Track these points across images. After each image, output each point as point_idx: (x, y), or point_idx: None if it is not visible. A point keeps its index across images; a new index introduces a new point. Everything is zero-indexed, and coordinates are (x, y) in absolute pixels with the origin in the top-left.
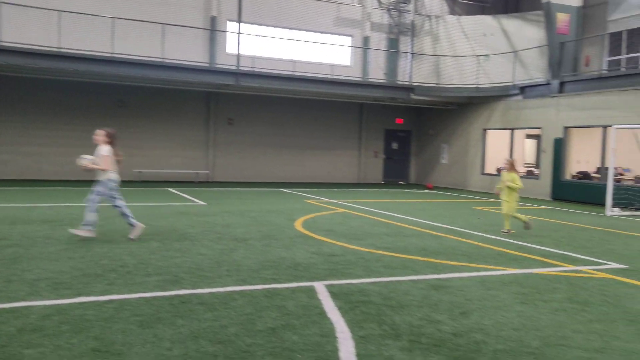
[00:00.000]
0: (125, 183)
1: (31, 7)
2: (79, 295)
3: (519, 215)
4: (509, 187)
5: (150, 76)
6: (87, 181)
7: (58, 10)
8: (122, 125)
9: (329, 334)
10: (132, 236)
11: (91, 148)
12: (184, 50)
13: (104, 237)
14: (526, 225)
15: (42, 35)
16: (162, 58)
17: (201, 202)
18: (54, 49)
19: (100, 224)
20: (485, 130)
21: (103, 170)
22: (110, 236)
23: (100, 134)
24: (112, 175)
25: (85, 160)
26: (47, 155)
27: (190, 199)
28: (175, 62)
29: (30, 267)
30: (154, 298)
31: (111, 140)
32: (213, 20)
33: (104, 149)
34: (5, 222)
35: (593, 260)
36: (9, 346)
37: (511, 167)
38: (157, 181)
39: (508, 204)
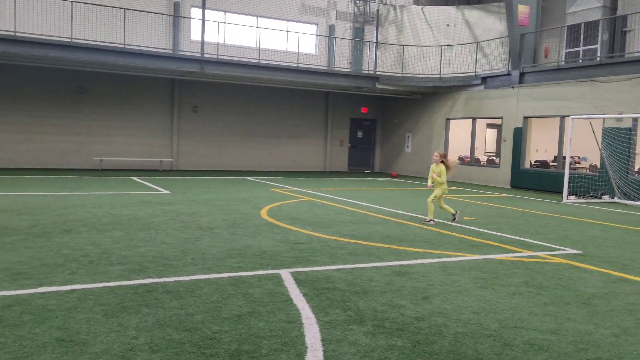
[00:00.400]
0: (86, 172)
1: None
2: (41, 285)
3: (431, 206)
4: (437, 179)
5: (111, 62)
6: (46, 169)
7: None
8: (83, 112)
9: (295, 320)
10: None
11: (52, 135)
12: (147, 36)
13: (64, 227)
14: (427, 220)
15: None
16: (123, 44)
17: (165, 191)
18: (9, 33)
19: (61, 214)
20: (448, 119)
21: None
22: (70, 226)
23: None
24: None
25: None
26: (2, 143)
27: (154, 188)
28: (137, 49)
29: None
30: (119, 287)
31: None
32: (176, 6)
33: None
34: None
35: (549, 246)
36: None
37: (441, 159)
38: (119, 169)
39: (434, 194)
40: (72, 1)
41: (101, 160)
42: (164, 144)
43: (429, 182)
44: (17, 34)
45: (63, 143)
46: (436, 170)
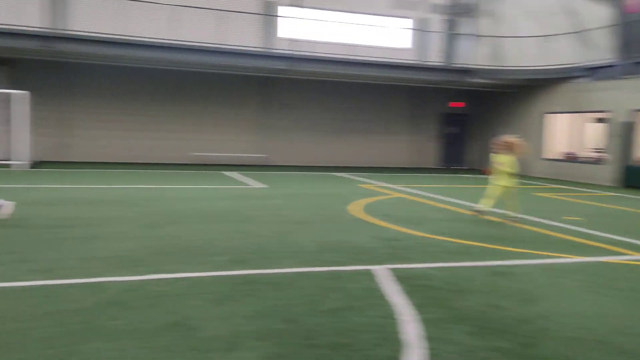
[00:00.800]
0: (182, 166)
1: None
2: (153, 272)
3: (513, 202)
4: (502, 170)
5: (207, 62)
6: (147, 164)
7: None
8: (181, 110)
9: (392, 316)
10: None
11: (153, 132)
12: (240, 35)
13: (171, 218)
14: (511, 220)
15: (107, 24)
16: (218, 44)
17: (259, 185)
18: (119, 37)
19: (167, 206)
20: (547, 113)
21: None
22: (175, 217)
23: None
24: None
25: None
26: (113, 139)
27: (248, 182)
28: (230, 48)
29: (104, 246)
30: (223, 277)
31: None
32: (268, 5)
33: None
34: (78, 202)
35: None
36: (94, 318)
37: (508, 148)
38: (214, 164)
39: (500, 186)
40: (171, 5)
41: (196, 155)
42: (256, 139)
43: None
44: (124, 37)
45: (163, 140)
46: (501, 160)
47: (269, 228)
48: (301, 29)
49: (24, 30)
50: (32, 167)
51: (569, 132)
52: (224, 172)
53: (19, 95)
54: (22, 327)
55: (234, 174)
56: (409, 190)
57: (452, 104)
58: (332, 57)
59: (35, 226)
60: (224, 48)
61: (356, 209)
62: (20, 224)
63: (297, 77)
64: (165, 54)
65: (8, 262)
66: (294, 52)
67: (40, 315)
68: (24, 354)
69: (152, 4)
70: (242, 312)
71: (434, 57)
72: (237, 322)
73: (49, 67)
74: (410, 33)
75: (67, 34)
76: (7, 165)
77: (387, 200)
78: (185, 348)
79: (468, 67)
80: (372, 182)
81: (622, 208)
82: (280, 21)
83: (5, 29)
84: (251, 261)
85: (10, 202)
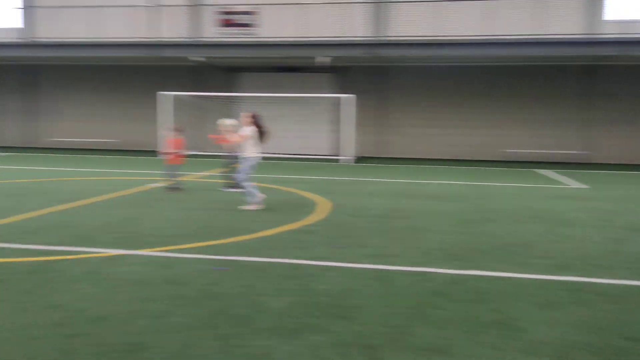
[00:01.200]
0: (492, 163)
1: (417, 1)
2: (473, 268)
3: None
4: None
5: (521, 54)
6: (464, 160)
7: (433, 1)
8: (489, 106)
9: None
10: (245, 207)
11: (464, 129)
12: (558, 22)
13: (485, 216)
14: None
15: (422, 27)
16: (534, 34)
17: (578, 185)
18: (433, 38)
19: (479, 203)
20: None
21: (237, 145)
22: (490, 215)
23: (244, 116)
24: (249, 154)
25: (226, 122)
26: (425, 136)
27: (565, 182)
28: (548, 37)
29: (424, 237)
30: (546, 281)
31: (255, 122)
32: None
33: (246, 129)
34: (396, 195)
35: None
36: (421, 305)
37: None
38: (525, 161)
39: None
40: (482, 0)
41: (505, 152)
42: (576, 135)
43: None
44: (437, 38)
45: (473, 136)
46: None
47: (594, 233)
48: (635, 8)
49: (351, 40)
50: (355, 162)
51: None
52: (536, 169)
53: (347, 99)
54: (359, 304)
55: (548, 172)
56: None
57: None
58: None
59: (366, 215)
60: (541, 38)
61: None
62: (354, 213)
63: (628, 63)
64: (478, 50)
65: (348, 246)
66: (626, 36)
67: (374, 295)
68: (362, 327)
69: (465, 2)
70: (570, 321)
71: None
72: (566, 330)
73: (369, 72)
74: None
75: (387, 40)
76: (336, 160)
77: None
78: (513, 348)
79: None
80: None
81: None
82: (607, 2)
83: (335, 40)
84: (576, 267)
85: (262, 196)
